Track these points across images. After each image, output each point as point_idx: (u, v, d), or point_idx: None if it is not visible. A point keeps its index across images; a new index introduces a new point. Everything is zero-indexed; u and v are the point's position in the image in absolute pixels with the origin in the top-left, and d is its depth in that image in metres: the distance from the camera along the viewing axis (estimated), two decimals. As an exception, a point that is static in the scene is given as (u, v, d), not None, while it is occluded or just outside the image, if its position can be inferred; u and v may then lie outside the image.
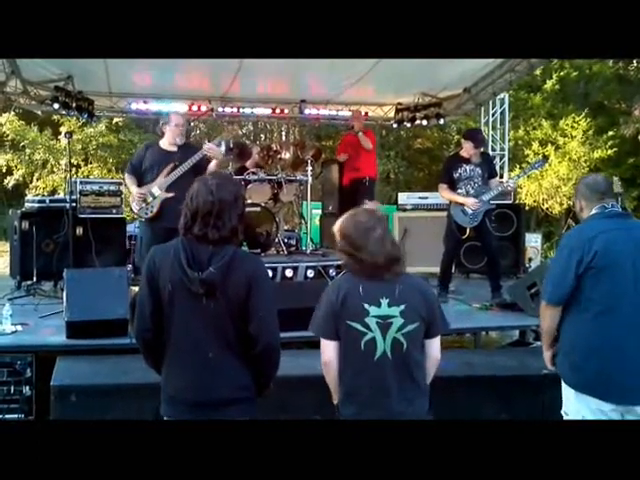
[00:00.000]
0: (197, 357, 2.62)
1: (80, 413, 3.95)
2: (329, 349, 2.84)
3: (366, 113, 10.43)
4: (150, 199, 5.74)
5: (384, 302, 2.73)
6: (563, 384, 3.29)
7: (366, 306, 2.73)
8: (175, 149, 5.89)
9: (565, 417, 3.28)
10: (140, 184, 5.84)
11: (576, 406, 3.18)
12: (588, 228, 3.24)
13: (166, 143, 5.94)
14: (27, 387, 4.44)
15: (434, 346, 2.89)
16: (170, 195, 5.65)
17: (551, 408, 4.37)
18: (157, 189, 5.74)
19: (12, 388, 4.42)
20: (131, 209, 6.04)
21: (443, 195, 6.69)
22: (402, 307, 2.73)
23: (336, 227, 2.91)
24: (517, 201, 10.37)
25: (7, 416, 4.37)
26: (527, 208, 14.62)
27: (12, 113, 15.36)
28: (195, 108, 9.85)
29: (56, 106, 8.46)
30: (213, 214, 2.60)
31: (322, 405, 4.11)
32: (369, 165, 8.67)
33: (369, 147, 8.45)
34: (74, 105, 8.68)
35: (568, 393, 3.24)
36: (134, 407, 4.01)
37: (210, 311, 2.59)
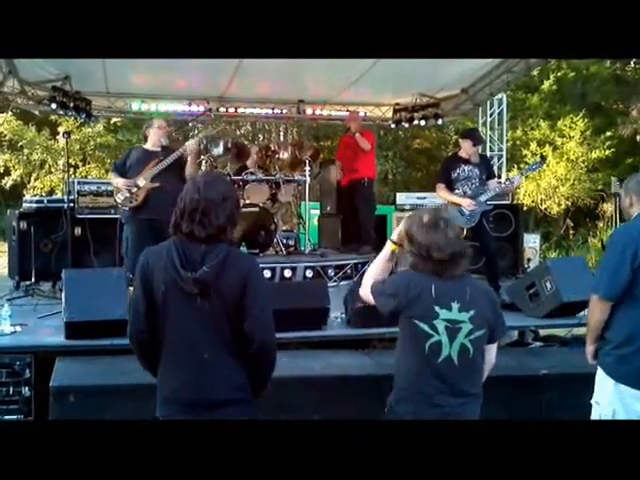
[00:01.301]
0: (193, 357, 2.61)
1: (79, 413, 3.94)
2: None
3: (365, 113, 10.44)
4: (135, 189, 5.84)
5: (455, 306, 2.71)
6: (601, 375, 3.30)
7: (437, 308, 2.70)
8: (159, 149, 6.04)
9: (596, 407, 3.30)
10: None
11: (610, 398, 3.20)
12: None
13: (149, 145, 6.10)
14: (26, 388, 4.42)
15: (492, 351, 2.91)
16: (155, 185, 5.78)
17: (550, 408, 4.40)
18: (142, 180, 5.85)
19: (11, 389, 4.41)
20: (115, 201, 6.15)
21: (440, 195, 6.68)
22: (472, 313, 2.72)
23: (402, 228, 2.90)
24: (515, 201, 10.39)
25: (6, 417, 4.36)
26: (525, 208, 14.64)
27: (10, 113, 15.36)
28: (193, 108, 9.88)
29: (54, 106, 8.45)
30: (199, 211, 2.59)
31: (321, 405, 4.14)
32: (367, 166, 8.61)
33: (367, 148, 8.38)
34: (72, 105, 8.66)
35: (606, 384, 3.25)
36: (133, 407, 4.00)
37: (205, 311, 2.58)
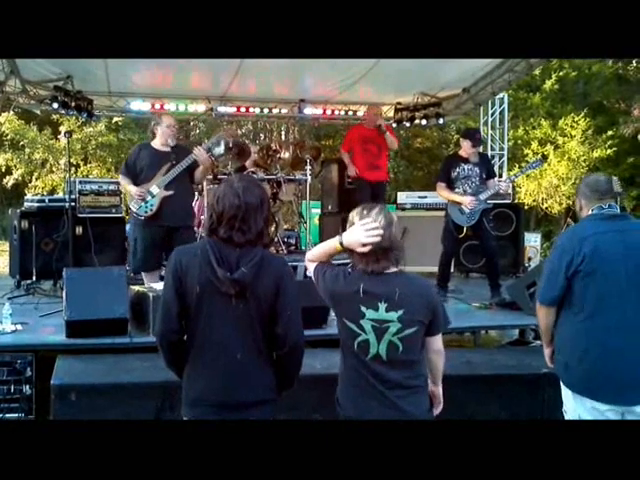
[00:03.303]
0: (225, 359, 2.61)
1: (80, 412, 3.95)
2: None
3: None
4: (149, 197, 5.75)
5: (382, 306, 2.72)
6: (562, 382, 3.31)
7: (363, 309, 2.73)
8: (169, 149, 5.90)
9: (565, 415, 3.29)
10: (135, 184, 5.84)
11: (573, 404, 3.20)
12: (581, 229, 3.25)
13: (158, 144, 5.96)
14: (27, 386, 4.44)
15: (436, 341, 2.90)
16: (169, 193, 5.70)
17: (550, 407, 4.40)
18: (156, 187, 5.75)
19: (12, 387, 4.42)
20: (129, 208, 6.03)
21: (440, 194, 6.71)
22: (400, 312, 2.71)
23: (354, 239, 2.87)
24: (516, 200, 10.40)
25: (7, 415, 4.37)
26: (526, 207, 14.65)
27: (11, 112, 15.36)
28: (194, 107, 9.88)
29: (55, 105, 8.44)
30: (239, 218, 2.59)
31: (321, 404, 4.14)
32: (385, 163, 8.50)
33: (395, 148, 8.26)
34: (73, 104, 8.65)
35: (566, 391, 3.26)
36: (134, 406, 4.02)
37: (239, 312, 2.59)
